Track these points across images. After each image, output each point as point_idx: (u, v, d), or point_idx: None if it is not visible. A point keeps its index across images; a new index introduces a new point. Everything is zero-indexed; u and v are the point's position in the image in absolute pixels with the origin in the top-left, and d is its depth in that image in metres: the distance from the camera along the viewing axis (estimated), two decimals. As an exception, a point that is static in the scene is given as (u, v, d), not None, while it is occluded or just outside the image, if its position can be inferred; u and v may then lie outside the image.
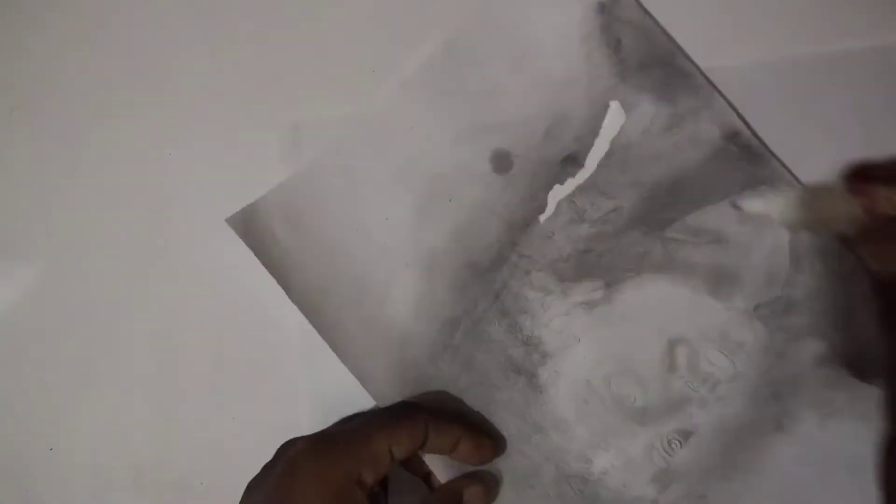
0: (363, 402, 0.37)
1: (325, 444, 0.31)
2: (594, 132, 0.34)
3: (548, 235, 0.35)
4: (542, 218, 0.35)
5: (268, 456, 0.33)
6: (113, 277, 0.42)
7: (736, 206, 0.31)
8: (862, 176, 0.23)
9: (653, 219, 0.34)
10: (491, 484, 0.35)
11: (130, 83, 0.42)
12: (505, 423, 0.35)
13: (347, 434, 0.31)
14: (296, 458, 0.31)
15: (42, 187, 0.43)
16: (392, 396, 0.36)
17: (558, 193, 0.35)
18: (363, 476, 0.30)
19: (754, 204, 0.29)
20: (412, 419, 0.32)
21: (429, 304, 0.36)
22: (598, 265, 0.34)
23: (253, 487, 0.32)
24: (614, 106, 0.34)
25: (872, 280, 0.23)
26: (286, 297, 0.37)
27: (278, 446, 0.33)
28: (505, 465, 0.35)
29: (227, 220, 0.37)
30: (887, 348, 0.23)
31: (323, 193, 0.36)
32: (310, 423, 0.38)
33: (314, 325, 0.36)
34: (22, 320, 0.42)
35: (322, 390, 0.38)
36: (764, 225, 0.33)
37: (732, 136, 0.33)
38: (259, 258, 0.37)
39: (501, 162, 0.35)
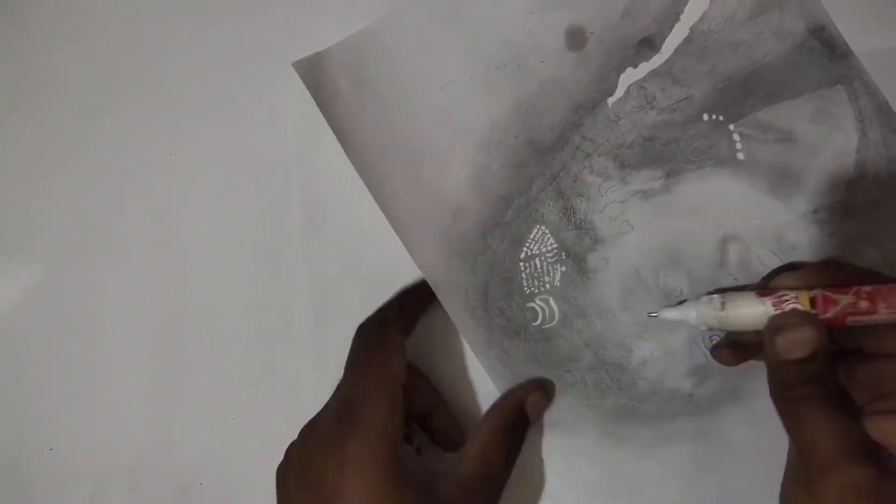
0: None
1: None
2: (675, 16, 0.33)
3: (613, 120, 0.34)
4: (610, 101, 0.34)
5: (268, 456, 0.33)
6: (113, 277, 0.41)
7: (652, 315, 0.32)
8: (773, 288, 0.29)
9: (723, 111, 0.33)
10: (550, 390, 0.35)
11: (130, 82, 0.41)
12: (548, 304, 0.35)
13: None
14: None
15: (42, 187, 0.42)
16: (437, 267, 0.36)
17: (630, 77, 0.34)
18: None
19: (671, 313, 0.31)
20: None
21: (484, 179, 0.35)
22: (661, 154, 0.34)
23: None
24: (698, -10, 0.33)
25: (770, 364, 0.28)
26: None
27: (278, 447, 0.33)
28: (545, 348, 0.35)
29: (293, 63, 0.36)
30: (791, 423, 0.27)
31: (391, 52, 0.35)
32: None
33: (367, 185, 0.35)
34: (22, 320, 0.42)
35: (324, 389, 0.37)
36: (834, 127, 0.33)
37: (816, 31, 0.32)
38: (321, 108, 0.35)
39: (575, 38, 0.34)
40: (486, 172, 0.35)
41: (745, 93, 0.33)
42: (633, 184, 0.34)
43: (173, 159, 0.40)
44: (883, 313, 0.25)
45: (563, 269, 0.35)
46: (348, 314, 0.37)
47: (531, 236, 0.35)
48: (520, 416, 0.34)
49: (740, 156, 0.33)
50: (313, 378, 0.36)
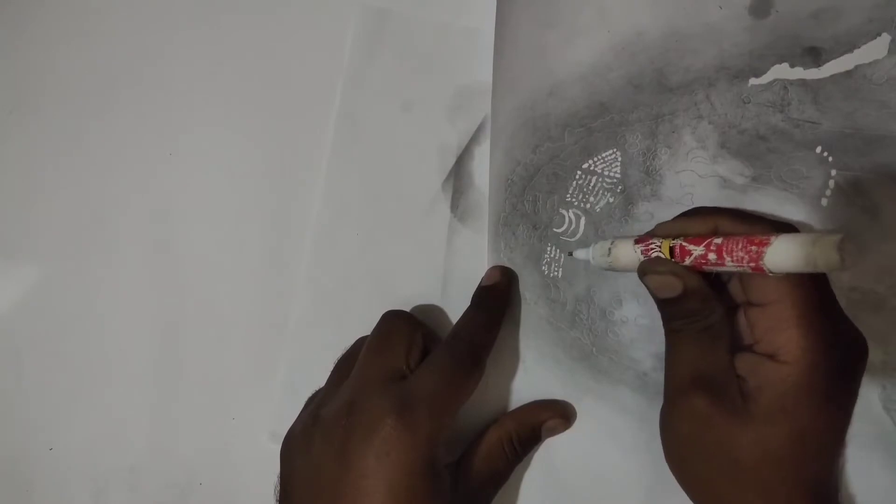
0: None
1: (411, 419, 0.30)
2: (850, 46, 0.33)
3: (744, 99, 0.33)
4: (752, 82, 0.33)
5: (268, 456, 0.33)
6: (113, 277, 0.41)
7: (569, 254, 0.34)
8: (647, 235, 0.30)
9: (836, 154, 0.33)
10: (571, 415, 0.35)
11: (130, 82, 0.41)
12: (579, 220, 0.35)
13: (428, 404, 0.31)
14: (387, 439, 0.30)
15: (42, 187, 0.42)
16: (504, 129, 0.35)
17: (781, 72, 0.33)
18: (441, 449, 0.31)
19: (580, 253, 0.33)
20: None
21: (598, 77, 0.35)
22: (760, 156, 0.33)
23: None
24: (883, 37, 0.33)
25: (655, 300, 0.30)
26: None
27: (278, 447, 0.33)
28: (549, 256, 0.35)
29: None
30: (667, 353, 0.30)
31: None
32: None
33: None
34: (22, 320, 0.42)
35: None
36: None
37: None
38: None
39: (761, 7, 0.33)
40: (604, 72, 0.35)
41: (864, 150, 0.33)
42: (720, 167, 0.34)
43: (173, 159, 0.41)
44: (729, 265, 0.26)
45: (611, 199, 0.35)
46: (350, 314, 0.38)
47: (603, 153, 0.35)
48: (533, 434, 0.35)
49: (824, 202, 0.33)
50: (313, 378, 0.36)
